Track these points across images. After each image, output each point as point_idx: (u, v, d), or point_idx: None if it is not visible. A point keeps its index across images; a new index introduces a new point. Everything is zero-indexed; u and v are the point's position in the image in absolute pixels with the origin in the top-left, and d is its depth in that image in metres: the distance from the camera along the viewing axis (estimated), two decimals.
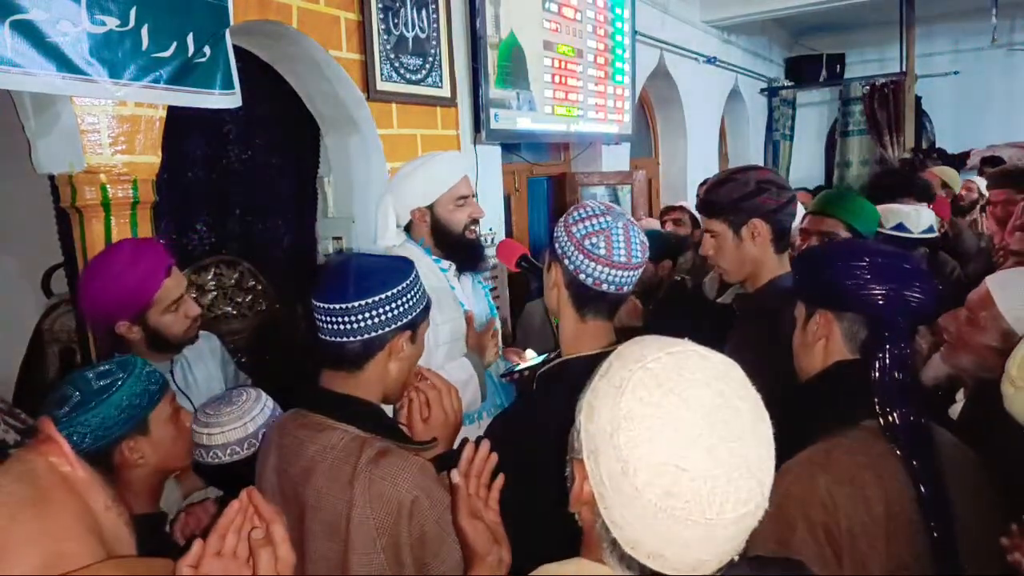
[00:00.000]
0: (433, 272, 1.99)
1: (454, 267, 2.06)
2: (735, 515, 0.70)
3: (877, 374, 1.13)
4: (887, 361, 1.13)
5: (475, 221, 2.05)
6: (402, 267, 1.28)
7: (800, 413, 1.22)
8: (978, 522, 1.12)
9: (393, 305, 1.22)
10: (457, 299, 2.05)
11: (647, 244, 1.32)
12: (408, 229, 2.06)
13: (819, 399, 1.22)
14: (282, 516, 0.93)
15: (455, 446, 1.36)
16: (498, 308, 3.68)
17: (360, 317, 1.20)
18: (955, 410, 1.52)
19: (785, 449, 1.11)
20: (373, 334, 1.22)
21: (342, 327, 1.21)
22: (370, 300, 1.20)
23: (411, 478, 1.15)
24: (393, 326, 1.23)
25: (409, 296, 1.25)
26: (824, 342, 1.22)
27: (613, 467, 0.73)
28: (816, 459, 1.10)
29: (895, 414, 1.10)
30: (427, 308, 1.32)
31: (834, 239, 2.13)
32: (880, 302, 1.14)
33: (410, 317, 1.25)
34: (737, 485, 0.70)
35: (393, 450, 1.19)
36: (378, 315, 1.21)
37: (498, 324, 2.16)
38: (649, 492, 0.70)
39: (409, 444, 1.26)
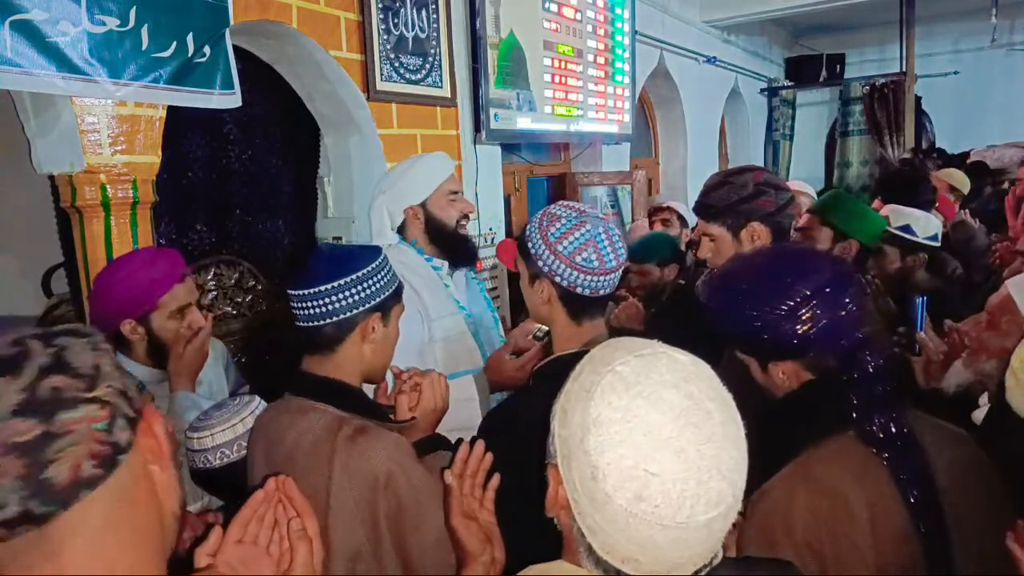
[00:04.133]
0: (426, 270, 2.01)
1: (447, 265, 2.06)
2: (706, 518, 0.69)
3: (855, 390, 1.09)
4: (865, 375, 1.09)
5: (466, 217, 2.06)
6: (368, 252, 1.34)
7: (777, 427, 1.17)
8: (985, 522, 1.09)
9: (361, 287, 1.28)
10: (452, 296, 2.05)
11: (623, 235, 1.35)
12: (401, 231, 2.07)
13: (795, 414, 1.18)
14: (312, 510, 0.94)
15: (449, 442, 1.40)
16: (498, 308, 3.68)
17: (329, 300, 1.27)
18: (979, 415, 1.50)
19: (768, 463, 1.10)
20: (343, 316, 1.28)
21: (314, 311, 1.27)
22: (337, 283, 1.27)
23: (386, 452, 1.19)
24: (362, 307, 1.29)
25: (376, 279, 1.31)
26: (793, 380, 1.18)
27: (584, 472, 0.72)
28: (795, 475, 1.08)
29: (876, 423, 1.07)
30: (398, 292, 1.37)
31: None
32: (834, 340, 1.10)
33: (379, 299, 1.31)
34: (708, 487, 0.69)
35: (370, 428, 1.23)
36: (346, 297, 1.27)
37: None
38: (619, 497, 0.70)
39: (387, 423, 1.31)
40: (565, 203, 1.37)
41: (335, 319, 1.28)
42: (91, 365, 0.65)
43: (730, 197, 1.65)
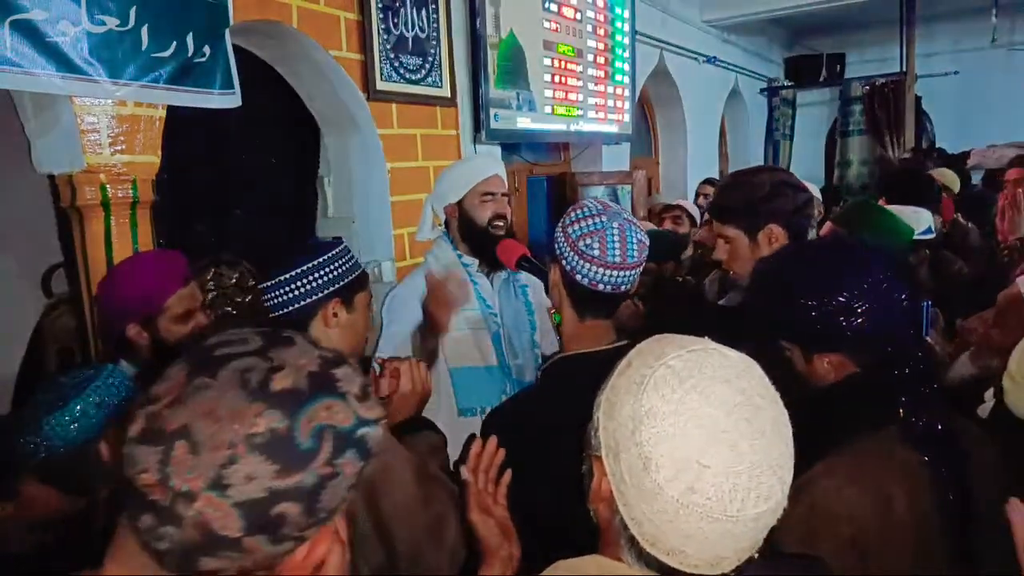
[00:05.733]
0: (455, 264, 2.11)
1: (478, 263, 2.12)
2: (756, 512, 0.70)
3: (902, 386, 1.09)
4: (907, 373, 1.10)
5: (500, 217, 2.10)
6: (327, 243, 1.45)
7: (818, 418, 1.19)
8: (1003, 519, 1.10)
9: (318, 275, 1.38)
10: (476, 293, 2.09)
11: (646, 243, 1.31)
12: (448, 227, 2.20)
13: (837, 406, 1.17)
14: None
15: (433, 424, 1.49)
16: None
17: (289, 288, 1.37)
18: (984, 409, 1.49)
19: (806, 454, 1.10)
20: (304, 302, 1.38)
21: (277, 300, 1.38)
22: (294, 272, 1.37)
23: None
24: (320, 294, 1.38)
25: (334, 266, 1.40)
26: (839, 372, 1.17)
27: (634, 463, 0.73)
28: (839, 470, 1.07)
29: (920, 422, 1.07)
30: (360, 280, 1.46)
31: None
32: (886, 334, 1.10)
33: (336, 286, 1.40)
34: (759, 482, 0.70)
35: None
36: (301, 284, 1.37)
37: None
38: (671, 488, 0.70)
39: None
40: (599, 199, 1.40)
41: (295, 306, 1.37)
42: None
43: (747, 198, 1.61)
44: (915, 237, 2.48)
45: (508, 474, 1.15)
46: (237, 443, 0.59)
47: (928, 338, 1.79)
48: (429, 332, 1.85)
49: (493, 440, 1.16)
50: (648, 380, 0.75)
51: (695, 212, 4.02)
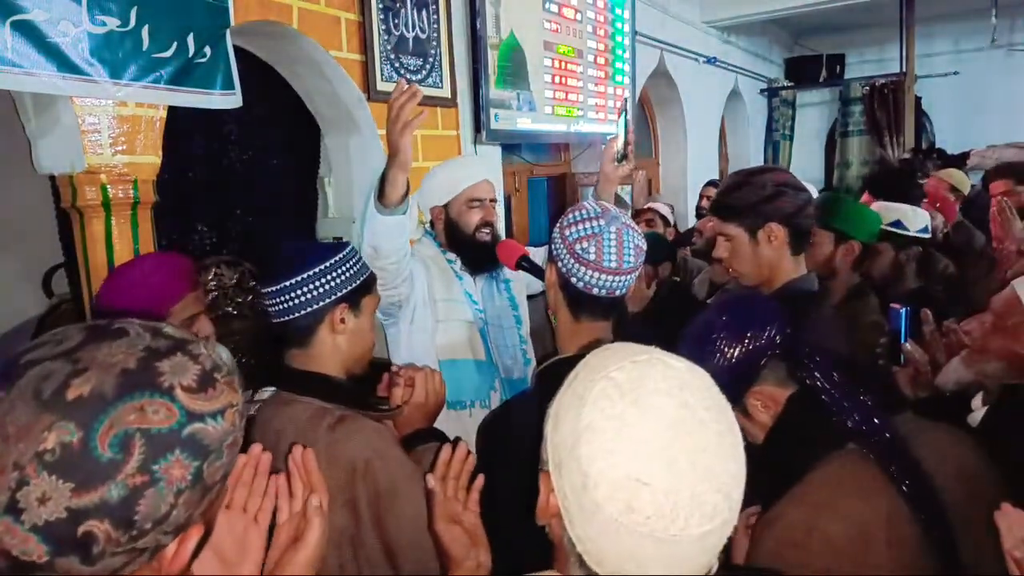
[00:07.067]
0: (439, 260, 2.13)
1: (460, 260, 2.13)
2: (700, 531, 0.67)
3: (845, 400, 1.10)
4: (836, 382, 1.11)
5: (487, 224, 2.09)
6: (332, 247, 1.39)
7: (778, 450, 1.17)
8: (987, 517, 1.09)
9: (323, 280, 1.32)
10: (462, 289, 2.10)
11: (643, 247, 1.32)
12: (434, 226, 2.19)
13: (791, 432, 1.16)
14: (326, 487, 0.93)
15: (444, 436, 1.45)
16: None
17: (294, 294, 1.32)
18: (974, 418, 1.47)
19: (773, 486, 1.09)
20: (309, 309, 1.32)
21: (282, 306, 1.33)
22: (299, 278, 1.31)
23: (364, 440, 1.24)
24: (327, 300, 1.33)
25: (340, 271, 1.35)
26: (775, 405, 1.18)
27: (575, 481, 0.70)
28: (807, 499, 1.06)
29: (874, 434, 1.08)
30: (367, 284, 1.40)
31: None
32: (782, 351, 1.15)
33: (343, 292, 1.35)
34: (702, 500, 0.67)
35: (350, 417, 1.27)
36: (309, 290, 1.32)
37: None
38: (610, 507, 0.67)
39: (370, 411, 1.35)
40: (602, 202, 1.40)
41: (301, 313, 1.32)
42: None
43: (749, 197, 1.65)
44: (912, 234, 2.50)
45: (480, 479, 1.14)
46: (25, 464, 0.55)
47: (907, 344, 1.79)
48: (392, 163, 1.79)
49: (463, 446, 1.16)
50: (589, 393, 0.72)
51: (667, 213, 4.06)
